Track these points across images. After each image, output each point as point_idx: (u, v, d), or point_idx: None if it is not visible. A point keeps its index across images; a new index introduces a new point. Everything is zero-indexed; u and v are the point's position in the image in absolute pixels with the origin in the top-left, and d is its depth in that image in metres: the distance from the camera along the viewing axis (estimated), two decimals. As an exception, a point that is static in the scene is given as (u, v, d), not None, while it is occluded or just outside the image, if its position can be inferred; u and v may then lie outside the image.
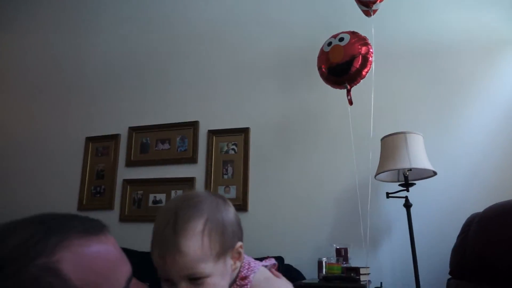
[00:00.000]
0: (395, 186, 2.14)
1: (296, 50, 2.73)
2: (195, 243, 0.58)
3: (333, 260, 2.08)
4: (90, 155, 3.10)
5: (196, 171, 2.77)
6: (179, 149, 2.88)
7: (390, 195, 2.12)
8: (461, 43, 2.40)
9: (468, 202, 2.09)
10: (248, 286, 0.65)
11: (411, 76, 2.45)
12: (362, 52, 1.95)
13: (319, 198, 2.44)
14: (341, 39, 2.06)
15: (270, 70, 2.78)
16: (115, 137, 3.05)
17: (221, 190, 2.68)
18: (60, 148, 3.18)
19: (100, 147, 3.09)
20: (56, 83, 3.37)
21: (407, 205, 2.06)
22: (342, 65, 1.99)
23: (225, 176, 2.70)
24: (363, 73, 1.99)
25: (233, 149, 2.73)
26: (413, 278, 1.97)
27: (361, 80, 2.07)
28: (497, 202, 1.67)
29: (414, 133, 2.03)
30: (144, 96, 3.06)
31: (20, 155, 3.30)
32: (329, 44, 2.12)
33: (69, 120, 3.23)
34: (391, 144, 2.04)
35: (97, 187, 3.02)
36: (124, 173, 2.95)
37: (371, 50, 2.04)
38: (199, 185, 2.73)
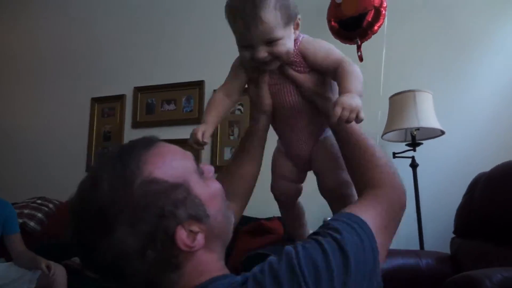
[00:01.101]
0: (402, 146, 2.12)
1: (303, 2, 2.62)
2: (272, 14, 0.76)
3: (338, 218, 2.10)
4: (97, 116, 3.09)
5: (202, 132, 2.75)
6: (184, 110, 2.86)
7: (396, 155, 2.10)
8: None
9: (475, 162, 2.06)
10: (299, 42, 0.84)
11: (424, 32, 2.36)
12: (375, 4, 1.86)
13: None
14: (355, -11, 1.96)
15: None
16: (120, 98, 3.03)
17: (227, 151, 2.68)
18: (67, 109, 3.18)
19: (106, 108, 3.08)
20: (61, 44, 3.32)
21: (414, 165, 2.05)
22: (355, 18, 1.90)
23: (231, 137, 2.69)
24: (375, 27, 1.91)
25: (239, 109, 2.70)
26: (417, 236, 1.99)
27: (372, 36, 1.99)
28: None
29: (423, 91, 1.98)
30: (149, 56, 3.01)
31: (29, 117, 3.31)
32: (342, -6, 2.01)
33: (75, 81, 3.20)
34: (399, 102, 2.00)
35: (104, 149, 3.03)
36: (131, 134, 2.96)
37: (384, 4, 1.94)
38: (206, 146, 2.72)
